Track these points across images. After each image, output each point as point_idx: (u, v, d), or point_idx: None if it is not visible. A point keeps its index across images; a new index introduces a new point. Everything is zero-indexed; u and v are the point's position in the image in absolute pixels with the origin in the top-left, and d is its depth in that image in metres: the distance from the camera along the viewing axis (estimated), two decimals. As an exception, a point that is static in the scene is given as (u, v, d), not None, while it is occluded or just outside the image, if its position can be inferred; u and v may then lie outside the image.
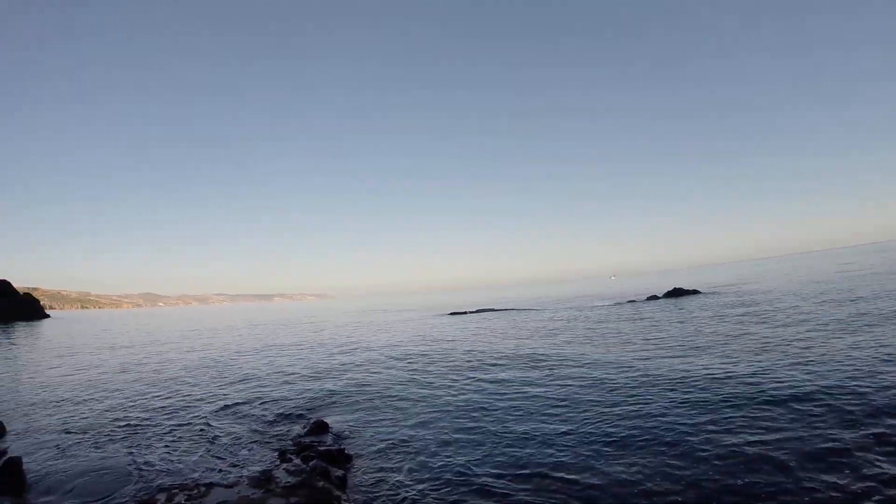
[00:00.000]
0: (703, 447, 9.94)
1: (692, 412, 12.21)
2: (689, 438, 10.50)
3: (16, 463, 10.37)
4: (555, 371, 18.68)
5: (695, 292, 56.75)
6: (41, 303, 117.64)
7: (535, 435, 11.48)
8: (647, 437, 10.84)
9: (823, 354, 17.38)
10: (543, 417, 12.79)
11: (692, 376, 15.89)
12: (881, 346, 17.88)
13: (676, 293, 56.39)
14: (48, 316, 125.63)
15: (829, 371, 14.98)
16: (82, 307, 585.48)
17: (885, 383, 13.13)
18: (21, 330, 70.84)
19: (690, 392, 14.05)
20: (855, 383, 13.36)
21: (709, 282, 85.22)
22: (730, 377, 15.33)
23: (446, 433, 12.03)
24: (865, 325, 22.46)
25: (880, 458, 8.81)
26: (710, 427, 11.06)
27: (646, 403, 13.33)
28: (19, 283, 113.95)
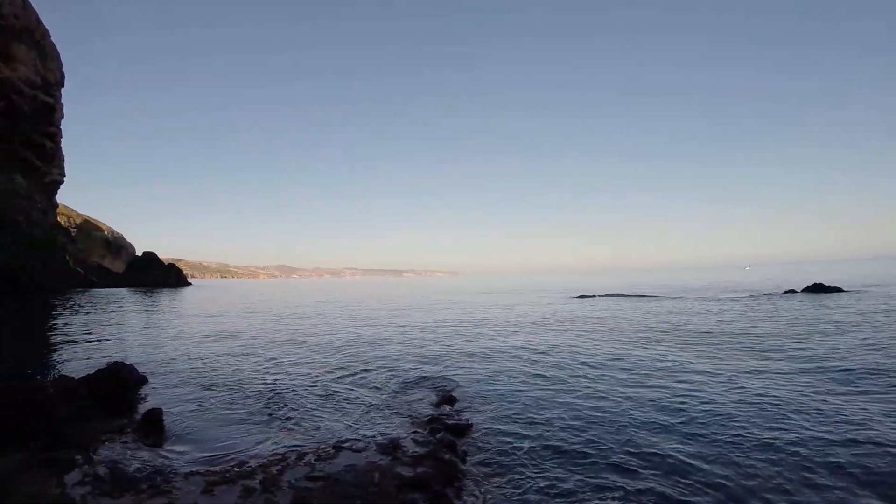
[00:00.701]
0: None
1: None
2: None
3: (156, 413, 11.22)
4: (689, 367, 17.83)
5: (836, 290, 51.14)
6: (184, 272, 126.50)
7: (675, 426, 11.03)
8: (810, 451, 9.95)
9: None
10: (684, 414, 12.24)
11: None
12: None
13: (816, 289, 51.87)
14: (190, 284, 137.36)
15: None
16: (221, 277, 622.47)
17: None
18: (166, 294, 77.45)
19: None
20: None
21: (848, 279, 79.35)
22: None
23: (575, 417, 11.73)
24: None
25: None
26: None
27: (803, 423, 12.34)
28: (164, 254, 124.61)
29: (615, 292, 64.41)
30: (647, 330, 27.12)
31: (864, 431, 10.37)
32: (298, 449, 9.64)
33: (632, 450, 9.68)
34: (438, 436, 9.91)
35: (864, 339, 21.82)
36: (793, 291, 52.72)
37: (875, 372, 15.71)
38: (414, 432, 10.43)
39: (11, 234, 63.18)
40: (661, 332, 26.17)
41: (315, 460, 8.95)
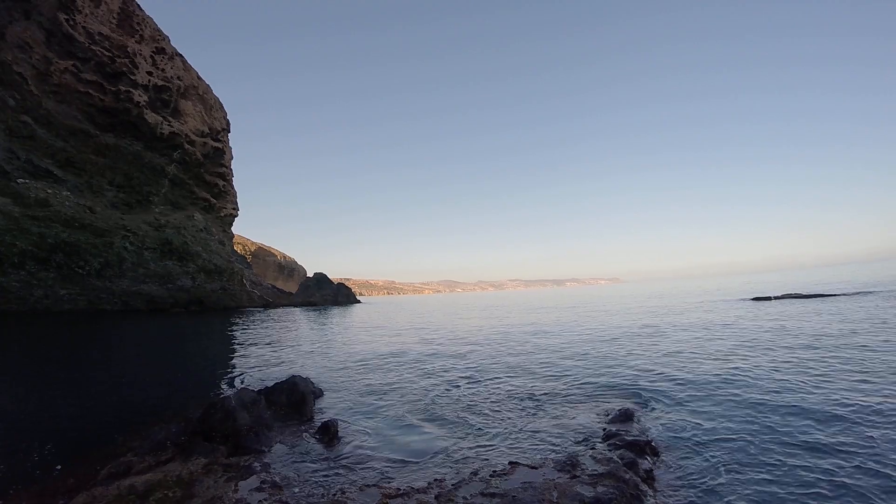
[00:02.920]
0: None
1: None
2: None
3: (332, 424, 11.67)
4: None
5: None
6: (352, 290, 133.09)
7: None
8: None
9: None
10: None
11: None
12: None
13: None
14: (359, 301, 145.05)
15: None
16: (388, 293, 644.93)
17: None
18: (337, 311, 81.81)
19: None
20: None
21: None
22: None
23: (765, 435, 10.80)
24: None
25: None
26: None
27: None
28: (333, 275, 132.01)
29: (792, 293, 60.17)
30: (829, 336, 24.83)
31: None
32: (473, 464, 9.44)
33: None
34: (618, 453, 9.30)
35: None
36: None
37: None
38: (591, 449, 9.91)
39: (195, 263, 71.91)
40: (838, 336, 23.84)
41: (490, 476, 8.69)
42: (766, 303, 52.02)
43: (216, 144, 76.36)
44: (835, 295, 52.13)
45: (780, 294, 59.14)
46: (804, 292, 58.64)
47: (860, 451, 9.59)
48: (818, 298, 50.57)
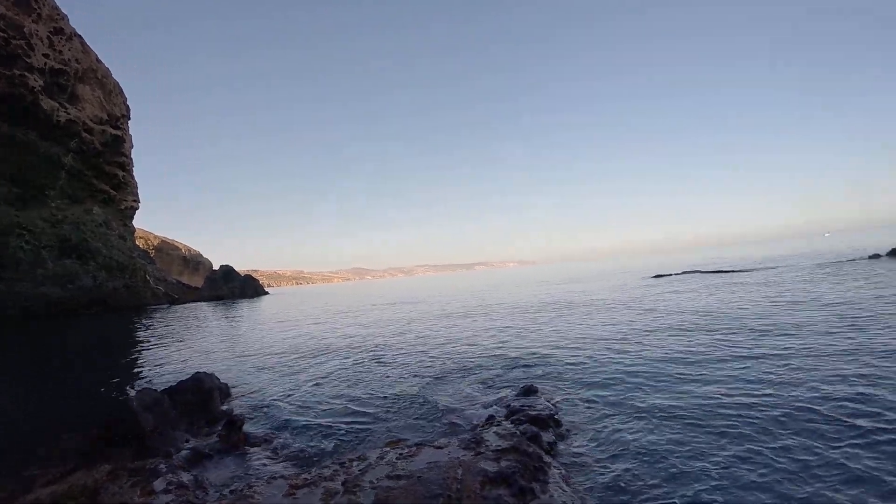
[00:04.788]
0: None
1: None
2: None
3: (238, 420, 11.46)
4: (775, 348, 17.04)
5: None
6: (260, 282, 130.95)
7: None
8: None
9: None
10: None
11: None
12: None
13: None
14: (267, 293, 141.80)
15: None
16: (296, 284, 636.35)
17: None
18: (245, 305, 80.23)
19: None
20: None
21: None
22: None
23: (668, 409, 11.08)
24: None
25: None
26: None
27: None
28: (240, 267, 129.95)
29: (692, 269, 62.82)
30: (721, 309, 26.16)
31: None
32: (381, 448, 9.52)
33: (737, 449, 9.16)
34: (521, 428, 9.56)
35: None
36: (877, 256, 50.72)
37: None
38: (496, 425, 10.14)
39: (95, 261, 68.49)
40: (725, 313, 25.18)
41: (397, 459, 8.76)
42: (667, 278, 54.37)
43: (116, 132, 72.39)
44: (735, 271, 54.94)
45: (680, 271, 61.65)
46: (703, 268, 61.33)
47: (741, 411, 10.37)
48: (717, 274, 53.13)
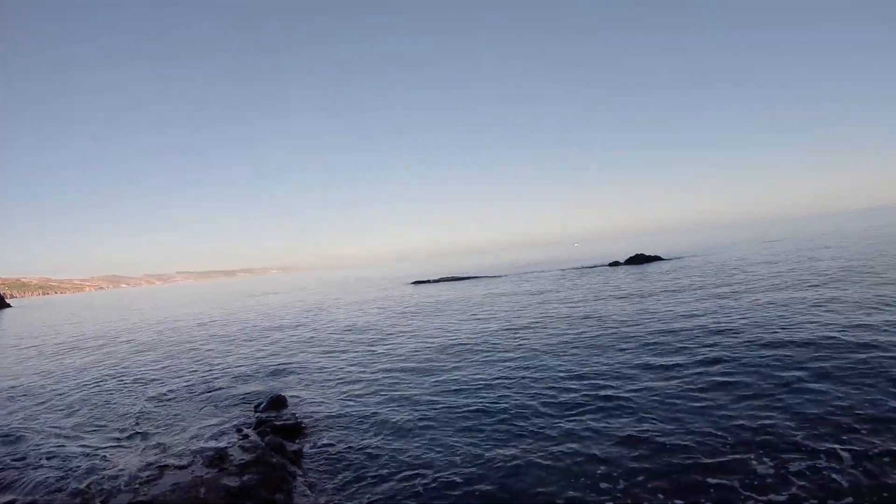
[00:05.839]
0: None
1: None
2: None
3: None
4: (517, 341, 18.88)
5: (657, 258, 57.46)
6: (1, 292, 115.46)
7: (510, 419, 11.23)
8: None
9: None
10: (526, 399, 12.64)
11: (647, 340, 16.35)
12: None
13: (638, 259, 56.92)
14: (10, 305, 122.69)
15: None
16: (44, 294, 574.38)
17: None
18: None
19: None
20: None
21: (674, 248, 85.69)
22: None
23: (407, 410, 11.79)
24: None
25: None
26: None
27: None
28: None
29: (449, 276, 65.55)
30: (481, 311, 27.94)
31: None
32: (123, 473, 8.97)
33: (462, 438, 10.04)
34: (266, 439, 9.59)
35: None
36: (617, 263, 56.39)
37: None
38: (243, 438, 10.00)
39: None
40: (489, 313, 27.22)
41: (140, 484, 8.38)
42: (425, 285, 56.37)
43: None
44: (479, 277, 58.37)
45: (437, 278, 64.02)
46: (459, 275, 64.19)
47: (479, 409, 11.52)
48: (468, 280, 55.99)
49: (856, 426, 8.47)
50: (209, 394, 15.05)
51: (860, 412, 8.94)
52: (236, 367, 18.61)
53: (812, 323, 16.04)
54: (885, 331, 14.04)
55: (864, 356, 12.00)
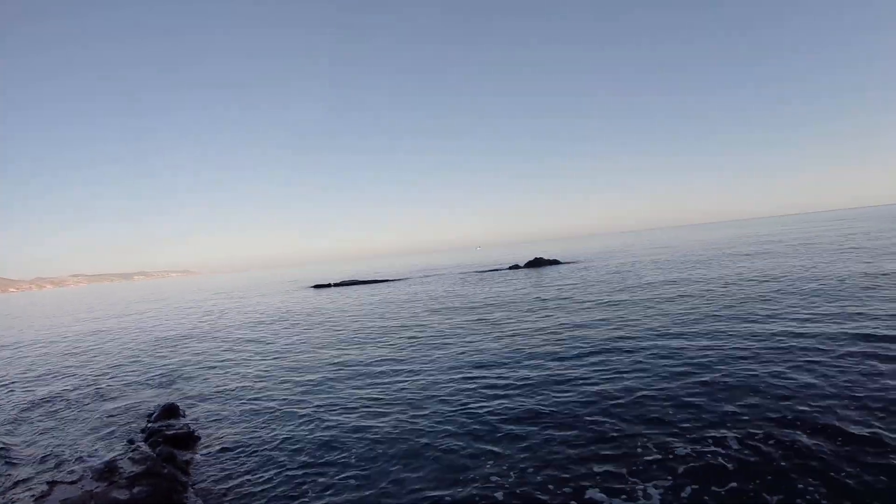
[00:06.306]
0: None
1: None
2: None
3: None
4: (410, 345, 19.38)
5: (555, 262, 60.41)
6: None
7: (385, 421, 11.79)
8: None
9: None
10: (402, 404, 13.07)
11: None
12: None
13: (537, 263, 59.35)
14: None
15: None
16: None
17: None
18: None
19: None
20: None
21: (574, 252, 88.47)
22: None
23: (299, 419, 11.97)
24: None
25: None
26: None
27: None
28: None
29: (351, 280, 65.38)
30: (371, 318, 28.30)
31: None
32: (9, 491, 8.81)
33: (348, 435, 10.54)
34: (158, 449, 9.59)
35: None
36: (516, 266, 58.01)
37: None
38: (134, 450, 9.93)
39: None
40: (379, 318, 27.73)
41: (33, 501, 8.23)
42: (326, 289, 56.22)
43: None
44: (382, 281, 58.73)
45: (338, 281, 63.86)
46: (361, 279, 64.17)
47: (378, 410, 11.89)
48: (370, 284, 56.22)
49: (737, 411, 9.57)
50: (100, 405, 14.65)
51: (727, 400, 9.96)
52: (128, 376, 18.15)
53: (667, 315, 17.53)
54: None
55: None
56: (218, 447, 10.39)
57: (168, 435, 10.61)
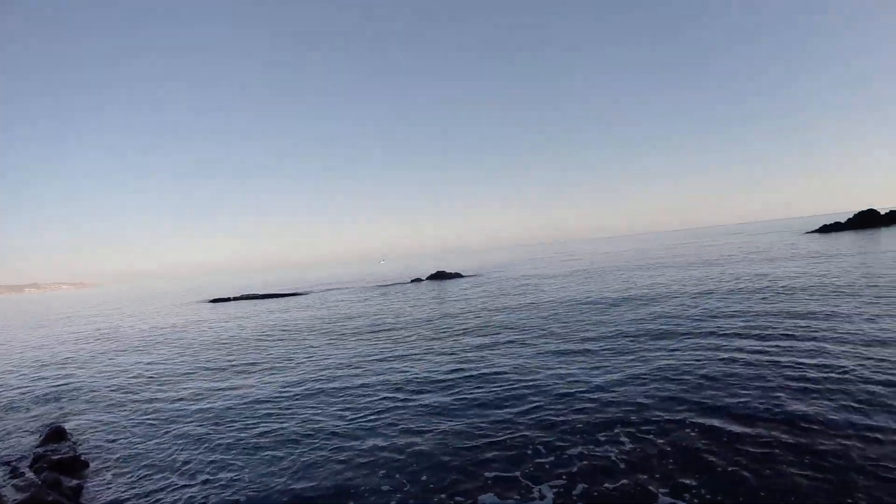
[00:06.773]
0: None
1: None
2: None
3: None
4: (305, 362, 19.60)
5: (457, 275, 61.34)
6: None
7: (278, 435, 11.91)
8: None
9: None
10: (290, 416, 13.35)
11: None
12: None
13: (439, 276, 59.94)
14: None
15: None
16: None
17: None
18: None
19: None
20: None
21: (479, 265, 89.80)
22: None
23: (187, 441, 11.92)
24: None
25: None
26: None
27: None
28: None
29: (249, 294, 64.18)
30: (276, 330, 28.15)
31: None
32: None
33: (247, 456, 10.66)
34: (42, 476, 9.28)
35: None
36: (419, 280, 58.78)
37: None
38: (17, 477, 9.60)
39: None
40: (283, 330, 27.77)
41: None
42: (224, 303, 55.14)
43: None
44: (292, 294, 58.09)
45: (238, 295, 62.70)
46: (260, 292, 63.15)
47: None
48: (269, 299, 55.44)
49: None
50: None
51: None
52: (9, 397, 17.38)
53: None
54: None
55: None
56: (107, 471, 10.28)
57: (54, 460, 10.32)
